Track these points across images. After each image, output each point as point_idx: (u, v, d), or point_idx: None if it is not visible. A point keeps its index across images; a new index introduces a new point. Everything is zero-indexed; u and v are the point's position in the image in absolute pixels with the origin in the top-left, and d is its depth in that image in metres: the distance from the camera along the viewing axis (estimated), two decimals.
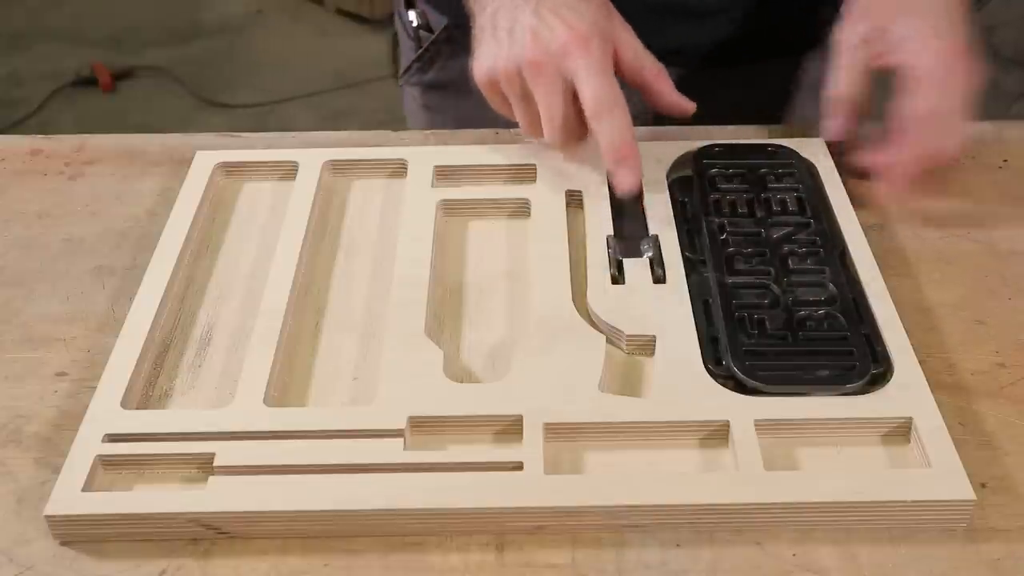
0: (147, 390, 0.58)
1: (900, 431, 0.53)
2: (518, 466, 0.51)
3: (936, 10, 0.68)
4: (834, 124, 0.71)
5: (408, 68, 0.94)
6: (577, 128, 0.66)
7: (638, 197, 0.68)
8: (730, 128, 0.77)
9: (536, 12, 0.64)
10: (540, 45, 0.63)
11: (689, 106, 0.69)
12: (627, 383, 0.57)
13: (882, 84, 0.69)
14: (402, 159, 0.72)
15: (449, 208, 0.69)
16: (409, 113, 0.98)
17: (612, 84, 0.64)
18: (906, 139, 0.66)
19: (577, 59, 0.63)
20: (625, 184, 0.65)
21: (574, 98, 0.64)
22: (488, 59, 0.66)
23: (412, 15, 0.91)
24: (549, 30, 0.63)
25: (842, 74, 0.69)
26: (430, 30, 0.90)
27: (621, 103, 0.64)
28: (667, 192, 0.68)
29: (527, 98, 0.65)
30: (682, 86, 0.73)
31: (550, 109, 0.64)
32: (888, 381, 0.55)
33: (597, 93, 0.63)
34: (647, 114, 0.86)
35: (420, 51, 0.91)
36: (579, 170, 0.69)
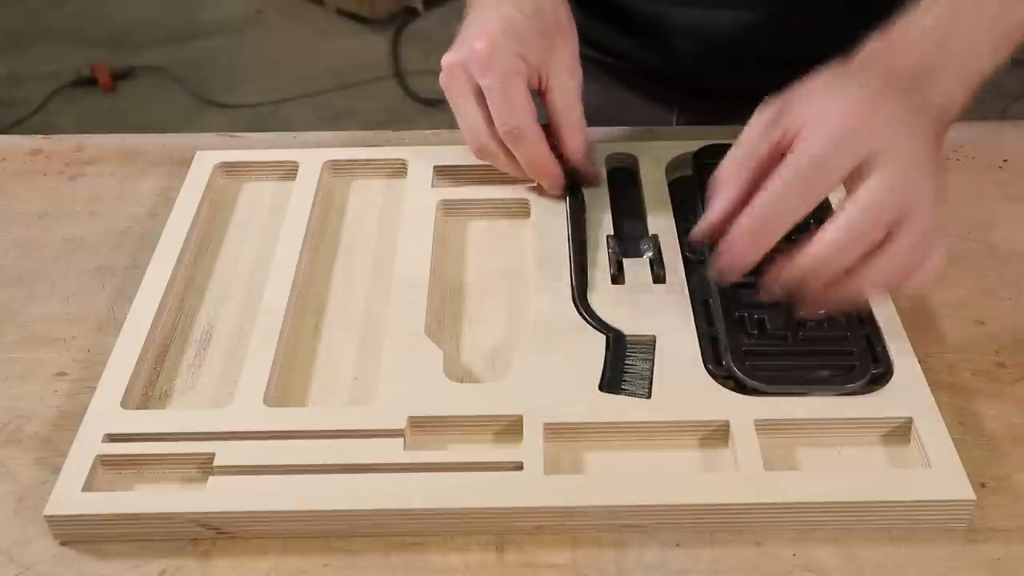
0: (147, 390, 0.58)
1: (900, 431, 0.53)
2: (518, 466, 0.51)
3: (844, 73, 0.55)
4: (714, 206, 0.55)
5: None
6: (491, 143, 0.64)
7: (638, 197, 0.68)
8: (730, 128, 0.77)
9: (481, 10, 0.63)
10: (456, 50, 0.63)
11: (595, 179, 0.68)
12: None
13: None
14: (402, 159, 0.72)
15: (449, 208, 0.69)
16: None
17: (519, 108, 0.62)
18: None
19: (480, 75, 0.61)
20: (554, 191, 0.66)
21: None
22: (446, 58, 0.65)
23: None
24: (473, 32, 0.62)
25: (732, 159, 0.55)
26: None
27: (529, 126, 0.62)
28: (667, 192, 0.68)
29: (455, 107, 0.65)
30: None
31: (465, 118, 0.64)
32: (888, 381, 0.55)
33: (504, 116, 0.62)
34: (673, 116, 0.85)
35: None
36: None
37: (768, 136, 0.53)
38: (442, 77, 0.64)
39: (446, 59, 0.63)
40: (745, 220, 0.51)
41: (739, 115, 0.79)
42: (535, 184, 0.69)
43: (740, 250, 0.52)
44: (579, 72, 0.65)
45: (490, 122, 0.63)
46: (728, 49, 0.80)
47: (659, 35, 0.81)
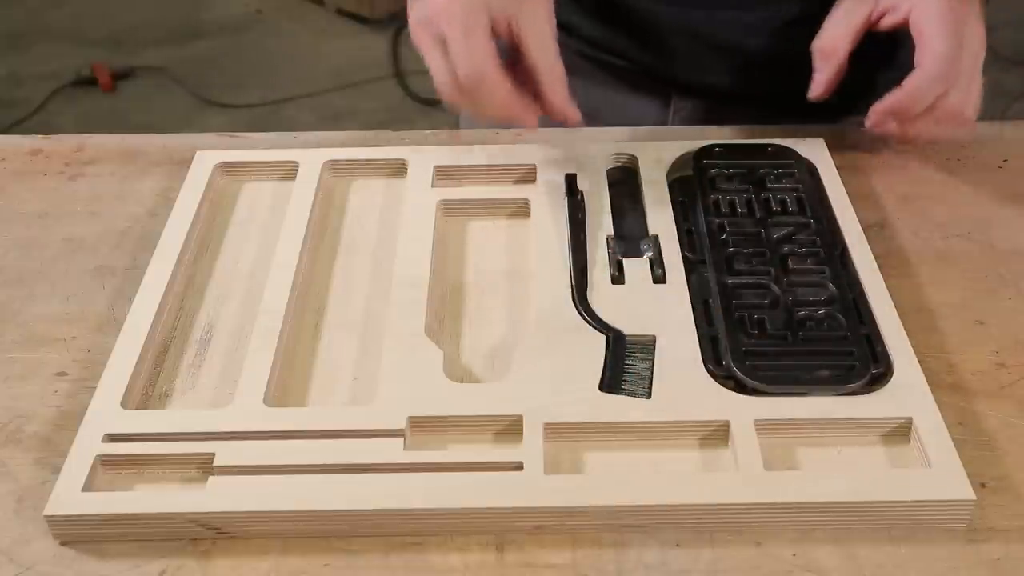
0: (147, 390, 0.58)
1: (900, 431, 0.53)
2: (518, 466, 0.51)
3: None
4: (818, 79, 0.69)
5: None
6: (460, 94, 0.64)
7: (638, 197, 0.68)
8: (730, 128, 0.77)
9: None
10: (417, 8, 0.63)
11: (575, 116, 0.66)
12: None
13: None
14: (402, 159, 0.72)
15: (449, 208, 0.69)
16: None
17: (478, 55, 0.61)
18: (911, 78, 0.64)
19: (442, 27, 0.62)
20: (530, 126, 0.65)
21: None
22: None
23: None
24: None
25: (831, 27, 0.68)
26: None
27: (489, 73, 0.62)
28: (667, 192, 0.68)
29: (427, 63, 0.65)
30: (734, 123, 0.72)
31: (434, 72, 0.64)
32: (888, 381, 0.55)
33: (463, 65, 0.62)
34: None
35: None
36: (579, 170, 0.69)
37: (862, 8, 0.66)
38: (411, 36, 0.64)
39: (412, 16, 0.64)
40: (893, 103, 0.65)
41: (734, 115, 0.79)
42: (535, 184, 0.69)
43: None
44: (553, 19, 0.65)
45: (454, 74, 0.63)
46: (723, 49, 0.80)
47: (654, 34, 0.81)
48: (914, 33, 0.65)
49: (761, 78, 0.80)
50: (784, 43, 0.80)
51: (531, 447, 0.52)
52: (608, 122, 0.78)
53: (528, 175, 0.70)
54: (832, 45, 0.68)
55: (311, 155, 0.72)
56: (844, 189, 0.68)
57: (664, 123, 0.86)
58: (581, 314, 0.59)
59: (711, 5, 0.78)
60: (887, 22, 0.67)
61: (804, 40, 0.71)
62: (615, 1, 0.70)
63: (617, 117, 0.80)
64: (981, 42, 0.65)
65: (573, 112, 0.66)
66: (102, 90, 2.59)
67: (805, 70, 0.71)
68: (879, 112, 0.66)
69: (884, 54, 0.70)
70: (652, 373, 0.55)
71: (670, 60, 0.82)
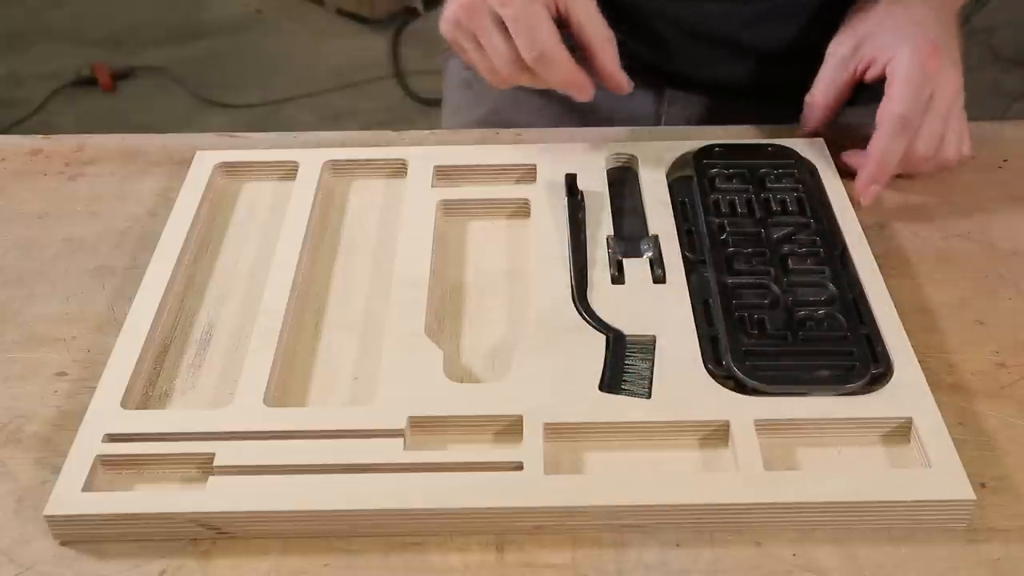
0: (147, 390, 0.58)
1: (900, 431, 0.53)
2: (518, 466, 0.51)
3: (919, 17, 0.69)
4: (807, 124, 0.74)
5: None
6: (522, 70, 0.65)
7: (638, 197, 0.68)
8: (730, 128, 0.77)
9: None
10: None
11: (625, 84, 0.68)
12: None
13: None
14: (402, 159, 0.72)
15: (449, 208, 0.69)
16: (447, 88, 0.97)
17: (542, 33, 0.63)
18: (874, 141, 0.67)
19: (501, 8, 0.63)
20: (585, 99, 0.66)
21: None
22: (444, 12, 0.67)
23: None
24: None
25: (821, 84, 0.72)
26: None
27: (553, 48, 0.63)
28: (667, 192, 0.68)
29: (477, 43, 0.66)
30: (728, 116, 0.75)
31: (491, 53, 0.65)
32: (888, 381, 0.55)
33: (528, 44, 0.63)
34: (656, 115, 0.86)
35: None
36: (579, 170, 0.69)
37: (849, 65, 0.71)
38: (458, 18, 0.65)
39: (448, 9, 0.65)
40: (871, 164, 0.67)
41: (729, 107, 0.80)
42: (535, 184, 0.69)
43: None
44: None
45: (516, 52, 0.64)
46: (714, 41, 0.80)
47: (646, 26, 0.81)
48: (885, 87, 0.67)
49: (755, 70, 0.81)
50: (776, 36, 0.81)
51: (531, 447, 0.52)
52: (602, 114, 0.78)
53: (528, 175, 0.70)
54: (823, 101, 0.73)
55: (311, 155, 0.72)
56: (844, 189, 0.68)
57: (658, 115, 0.86)
58: (581, 314, 0.59)
59: None
60: (870, 75, 0.70)
61: (795, 32, 0.72)
62: None
63: (611, 108, 0.80)
64: (957, 89, 0.68)
65: (624, 78, 0.68)
66: (102, 90, 2.58)
67: (798, 62, 0.73)
68: (863, 185, 0.68)
69: None
70: (652, 373, 0.55)
71: (662, 52, 0.82)
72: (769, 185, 0.68)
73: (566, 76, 0.65)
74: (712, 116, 0.84)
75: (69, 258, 0.68)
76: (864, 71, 0.70)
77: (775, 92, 0.78)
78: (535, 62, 0.64)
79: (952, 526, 0.50)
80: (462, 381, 0.57)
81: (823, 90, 0.72)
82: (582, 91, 0.66)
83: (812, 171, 0.70)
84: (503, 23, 0.64)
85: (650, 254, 0.63)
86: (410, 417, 0.53)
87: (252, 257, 0.67)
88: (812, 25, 0.80)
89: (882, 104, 0.67)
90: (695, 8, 0.80)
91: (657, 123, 0.86)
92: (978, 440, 0.54)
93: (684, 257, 0.63)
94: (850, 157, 0.70)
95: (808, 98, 0.73)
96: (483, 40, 0.65)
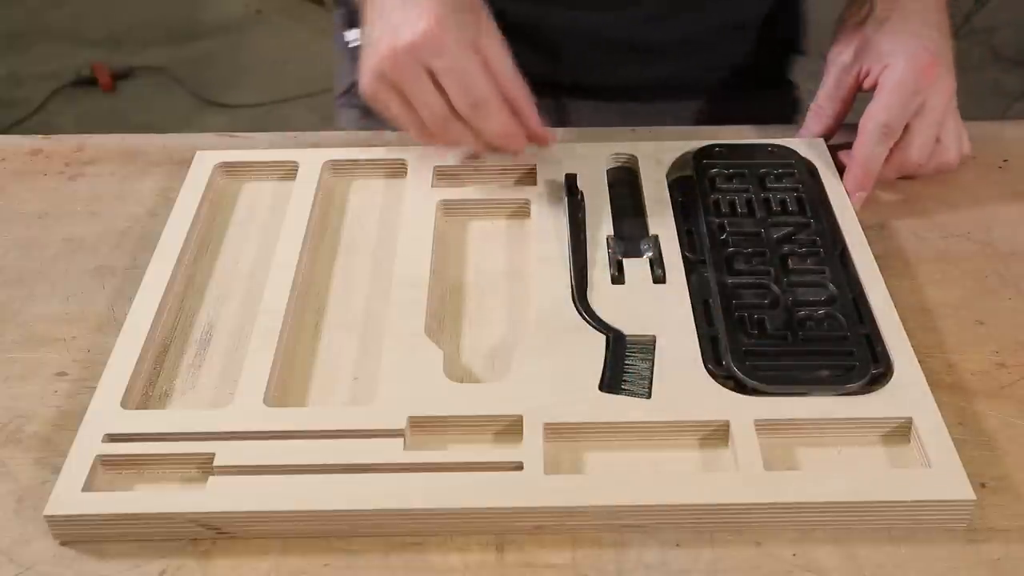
0: (147, 390, 0.58)
1: (900, 431, 0.53)
2: (518, 466, 0.51)
3: (915, 24, 0.70)
4: (812, 124, 0.74)
5: (347, 90, 0.92)
6: (455, 124, 0.64)
7: (638, 197, 0.68)
8: (730, 128, 0.77)
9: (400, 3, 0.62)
10: (397, 40, 0.61)
11: (550, 137, 0.68)
12: None
13: None
14: (402, 159, 0.72)
15: (449, 208, 0.69)
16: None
17: (479, 81, 0.62)
18: (856, 147, 0.68)
19: (431, 60, 0.61)
20: (519, 152, 0.66)
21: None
22: (363, 68, 0.64)
23: (352, 34, 0.89)
24: (403, 23, 0.61)
25: (825, 91, 0.74)
26: None
27: (490, 97, 0.62)
28: (667, 192, 0.68)
29: (402, 98, 0.63)
30: (632, 119, 0.76)
31: (420, 107, 0.63)
32: (888, 381, 0.55)
33: (463, 93, 0.62)
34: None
35: None
36: (579, 170, 0.69)
37: (851, 71, 0.71)
38: (382, 71, 0.62)
39: (383, 54, 0.62)
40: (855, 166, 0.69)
41: (628, 111, 0.82)
42: (535, 184, 0.69)
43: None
44: (507, 45, 0.65)
45: (448, 105, 0.62)
46: (611, 45, 0.81)
47: (539, 38, 0.81)
48: (874, 93, 0.69)
49: (652, 70, 0.83)
50: (670, 33, 0.82)
51: (531, 447, 0.52)
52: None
53: (528, 175, 0.70)
54: (830, 109, 0.73)
55: (311, 155, 0.72)
56: (844, 189, 0.68)
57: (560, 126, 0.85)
58: (581, 314, 0.59)
59: (594, 7, 0.79)
60: (867, 84, 0.70)
61: (690, 26, 0.77)
62: (497, 7, 0.70)
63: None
64: (950, 94, 0.69)
65: (547, 132, 0.67)
66: (102, 90, 2.58)
67: (694, 55, 0.78)
68: (850, 191, 0.68)
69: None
70: (652, 373, 0.55)
71: (559, 63, 0.82)
72: (769, 185, 0.68)
73: (502, 126, 0.63)
74: (627, 121, 0.83)
75: (69, 258, 0.68)
76: (864, 78, 0.71)
77: (692, 86, 0.80)
78: (471, 110, 0.62)
79: (952, 526, 0.50)
80: (462, 381, 0.57)
81: (828, 97, 0.73)
82: (517, 142, 0.65)
83: (812, 171, 0.70)
84: (432, 76, 0.62)
85: (650, 254, 0.63)
86: (410, 417, 0.53)
87: (252, 257, 0.67)
88: (708, 18, 0.82)
89: (867, 110, 0.68)
90: (589, 16, 0.80)
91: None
92: (978, 440, 0.54)
93: (684, 257, 0.63)
94: (843, 156, 0.71)
95: (814, 105, 0.74)
96: (411, 93, 0.63)
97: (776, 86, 0.92)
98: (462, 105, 0.62)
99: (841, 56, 0.72)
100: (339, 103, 0.94)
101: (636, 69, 0.83)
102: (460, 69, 0.61)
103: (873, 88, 0.69)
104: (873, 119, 0.67)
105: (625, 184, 0.70)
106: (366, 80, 0.64)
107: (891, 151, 0.68)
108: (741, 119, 0.78)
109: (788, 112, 0.91)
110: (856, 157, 0.68)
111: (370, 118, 0.90)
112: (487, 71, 0.63)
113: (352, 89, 0.91)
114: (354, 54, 0.88)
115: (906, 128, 0.68)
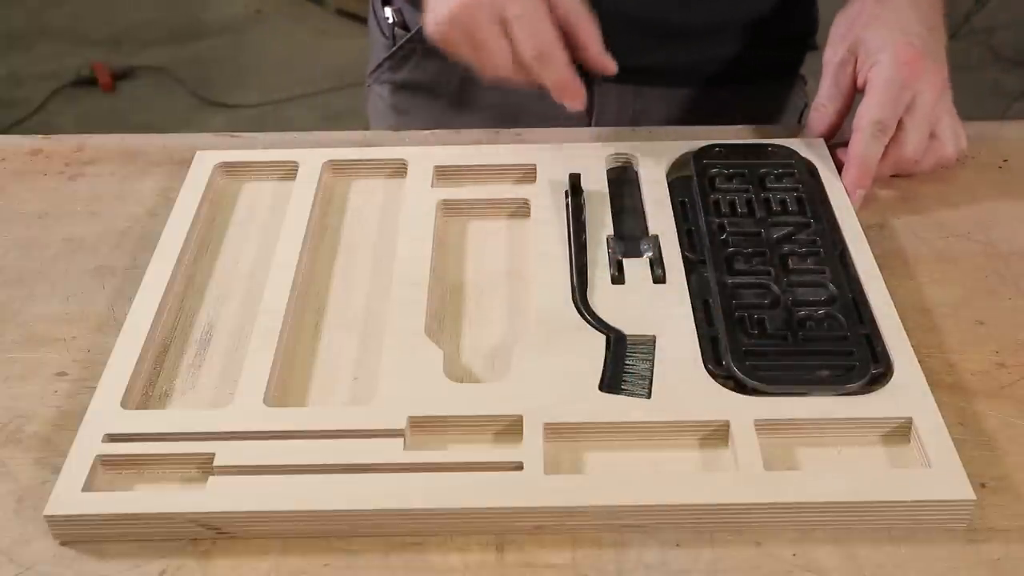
0: (147, 390, 0.58)
1: (900, 431, 0.53)
2: (518, 466, 0.51)
3: (903, 20, 0.70)
4: (815, 124, 0.74)
5: (379, 65, 0.93)
6: (520, 71, 0.66)
7: (638, 197, 0.68)
8: (730, 128, 0.77)
9: None
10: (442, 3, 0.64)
11: (611, 66, 0.68)
12: None
13: None
14: (402, 159, 0.72)
15: (449, 208, 0.69)
16: (373, 114, 0.97)
17: (545, 32, 0.64)
18: (851, 146, 0.69)
19: (505, 8, 0.63)
20: (574, 107, 0.66)
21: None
22: (434, 11, 0.66)
23: (388, 12, 0.91)
24: None
25: (825, 91, 0.74)
26: (406, 28, 0.90)
27: (553, 48, 0.64)
28: (667, 192, 0.68)
29: (473, 41, 0.65)
30: (655, 104, 0.76)
31: (492, 53, 0.65)
32: (888, 381, 0.55)
33: (529, 42, 0.63)
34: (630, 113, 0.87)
35: (394, 48, 0.91)
36: (580, 170, 0.69)
37: (847, 69, 0.72)
38: (454, 16, 0.64)
39: (443, 8, 0.64)
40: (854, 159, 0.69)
41: (657, 95, 0.82)
42: (535, 184, 0.69)
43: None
44: None
45: (514, 51, 0.64)
46: (645, 26, 0.81)
47: None
48: (865, 92, 0.69)
49: (684, 52, 0.83)
50: (704, 15, 0.81)
51: (531, 447, 0.52)
52: (529, 123, 0.78)
53: (528, 175, 0.71)
54: (832, 107, 0.74)
55: (311, 155, 0.72)
56: (844, 189, 0.68)
57: (590, 111, 0.86)
58: (581, 314, 0.59)
59: None
60: (859, 82, 0.71)
61: (724, 9, 0.77)
62: None
63: (543, 110, 0.79)
64: (940, 88, 0.69)
65: (610, 62, 0.68)
66: (102, 90, 2.58)
67: (728, 41, 0.77)
68: (848, 189, 0.69)
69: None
70: (652, 373, 0.55)
71: (624, 49, 0.82)
72: (769, 185, 0.68)
73: (561, 76, 0.65)
74: (647, 105, 0.85)
75: (69, 258, 0.68)
76: (858, 76, 0.71)
77: (707, 74, 0.79)
78: (535, 59, 0.64)
79: (952, 526, 0.50)
80: (462, 381, 0.57)
81: (828, 96, 0.74)
82: (575, 96, 0.66)
83: (812, 171, 0.70)
84: (503, 21, 0.64)
85: (650, 254, 0.63)
86: (410, 417, 0.53)
87: (252, 257, 0.67)
88: (739, 2, 0.82)
89: (859, 109, 0.69)
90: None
91: (590, 118, 0.86)
92: (978, 440, 0.54)
93: (684, 257, 0.63)
94: (840, 154, 0.71)
95: (815, 105, 0.74)
96: (483, 39, 0.65)
97: (790, 80, 0.92)
98: (526, 51, 0.64)
99: (835, 56, 0.73)
100: (371, 79, 0.95)
101: (670, 52, 0.84)
102: (530, 15, 0.64)
103: (863, 88, 0.70)
104: (865, 117, 0.68)
105: (625, 184, 0.70)
106: (439, 22, 0.66)
107: (887, 148, 0.69)
108: (756, 111, 0.79)
109: (800, 104, 0.92)
110: (852, 156, 0.68)
111: (402, 95, 0.92)
112: (554, 17, 0.65)
113: (384, 64, 0.93)
114: (393, 32, 0.91)
115: (899, 124, 0.68)
